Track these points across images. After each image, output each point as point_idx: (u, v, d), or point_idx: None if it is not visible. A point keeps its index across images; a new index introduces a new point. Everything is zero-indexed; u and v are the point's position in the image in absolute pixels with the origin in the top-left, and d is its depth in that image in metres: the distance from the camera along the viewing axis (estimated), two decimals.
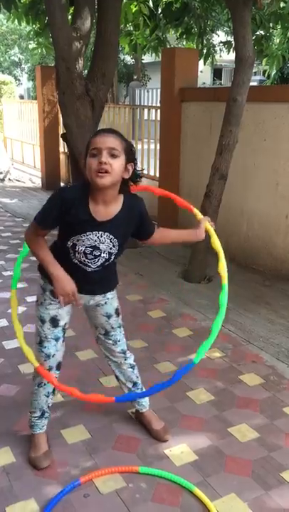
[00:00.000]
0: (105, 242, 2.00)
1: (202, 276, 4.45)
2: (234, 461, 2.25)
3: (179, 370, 2.09)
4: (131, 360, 2.38)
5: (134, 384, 2.40)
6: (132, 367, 2.39)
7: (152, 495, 2.04)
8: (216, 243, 2.19)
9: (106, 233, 1.98)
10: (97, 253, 2.00)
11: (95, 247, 1.99)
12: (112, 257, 2.06)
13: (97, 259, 2.02)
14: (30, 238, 2.04)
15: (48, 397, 2.23)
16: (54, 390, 2.24)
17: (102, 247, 2.00)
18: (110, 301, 2.23)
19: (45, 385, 2.20)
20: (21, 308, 3.77)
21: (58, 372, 2.22)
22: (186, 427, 2.47)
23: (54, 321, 2.13)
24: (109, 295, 2.22)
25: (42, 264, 2.02)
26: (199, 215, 2.28)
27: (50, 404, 2.26)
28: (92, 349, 3.15)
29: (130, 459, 2.24)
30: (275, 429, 2.47)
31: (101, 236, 1.98)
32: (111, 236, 2.00)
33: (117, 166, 1.87)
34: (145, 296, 4.06)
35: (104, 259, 2.04)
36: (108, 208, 1.97)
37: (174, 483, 2.10)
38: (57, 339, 2.15)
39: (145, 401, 2.43)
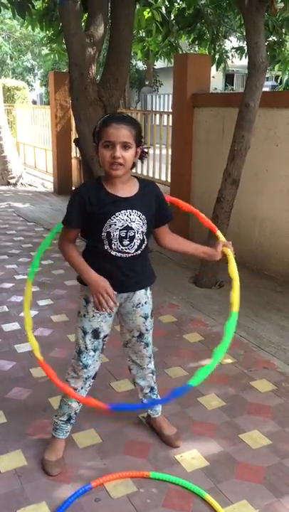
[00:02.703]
0: (136, 221, 2.02)
1: (213, 281, 4.44)
2: (246, 467, 2.24)
3: (175, 390, 2.07)
4: (152, 365, 2.39)
5: (152, 389, 2.41)
6: (153, 372, 2.40)
7: (163, 500, 2.04)
8: (233, 270, 2.10)
9: (134, 210, 2.02)
10: (131, 233, 2.02)
11: (128, 228, 2.01)
12: (145, 238, 2.08)
13: (133, 243, 2.04)
14: (62, 247, 2.08)
15: (78, 404, 2.23)
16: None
17: (134, 225, 2.02)
18: (149, 301, 2.26)
19: (79, 391, 2.20)
20: (33, 312, 3.80)
21: (93, 380, 2.24)
22: (198, 432, 2.47)
23: (96, 333, 2.15)
24: (149, 293, 2.25)
25: (76, 270, 2.05)
26: (222, 238, 2.21)
27: (77, 411, 2.26)
28: (103, 353, 3.14)
29: (141, 464, 2.24)
30: (287, 436, 2.46)
31: (130, 214, 2.01)
32: (139, 213, 2.03)
33: (129, 156, 1.96)
34: (156, 301, 4.01)
35: (140, 241, 2.05)
36: (127, 186, 2.04)
37: (185, 489, 2.09)
38: (95, 350, 2.18)
39: (158, 406, 2.44)
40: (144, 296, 2.22)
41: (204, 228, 2.51)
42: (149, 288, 2.26)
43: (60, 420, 2.25)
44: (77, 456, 2.29)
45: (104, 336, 2.20)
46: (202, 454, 2.31)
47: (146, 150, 2.08)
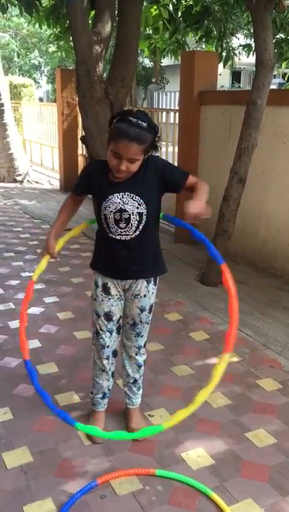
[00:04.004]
0: (129, 203, 2.06)
1: (219, 279, 4.42)
2: (251, 466, 2.24)
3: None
4: (141, 360, 2.41)
5: (134, 381, 2.44)
6: (139, 366, 2.42)
7: (169, 498, 2.04)
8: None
9: (127, 193, 2.06)
10: (126, 215, 2.06)
11: (121, 210, 2.06)
12: (144, 219, 2.08)
13: (130, 224, 2.07)
14: (65, 199, 2.28)
15: (108, 381, 2.39)
16: (113, 373, 2.38)
17: (127, 208, 2.06)
18: (150, 295, 2.26)
19: (106, 372, 2.36)
20: (39, 309, 3.81)
21: (114, 358, 2.35)
22: (203, 431, 2.47)
23: (108, 316, 2.25)
24: (151, 288, 2.25)
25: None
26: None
27: (110, 387, 2.42)
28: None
29: (147, 462, 2.24)
30: None
31: (122, 197, 2.06)
32: (132, 195, 2.06)
33: (135, 167, 2.02)
34: (162, 299, 4.06)
35: (137, 222, 2.08)
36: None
37: (190, 487, 2.10)
38: (111, 332, 2.28)
39: (136, 399, 2.47)
40: (144, 289, 2.23)
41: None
42: (153, 283, 2.26)
43: (97, 397, 2.41)
44: (84, 453, 2.29)
45: (118, 319, 2.28)
46: (208, 452, 2.31)
47: (158, 145, 2.09)
